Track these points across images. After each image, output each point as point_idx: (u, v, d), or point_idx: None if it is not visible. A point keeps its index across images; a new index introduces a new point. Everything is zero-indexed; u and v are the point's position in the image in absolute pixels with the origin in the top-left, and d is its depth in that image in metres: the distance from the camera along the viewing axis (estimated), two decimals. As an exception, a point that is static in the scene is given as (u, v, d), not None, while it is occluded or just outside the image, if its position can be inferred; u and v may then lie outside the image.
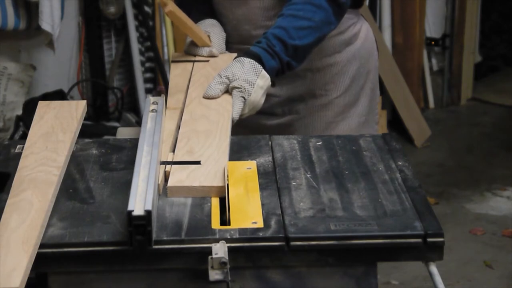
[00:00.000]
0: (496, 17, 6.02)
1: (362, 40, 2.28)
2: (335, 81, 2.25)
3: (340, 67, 2.24)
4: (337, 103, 2.25)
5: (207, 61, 2.12)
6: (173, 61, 2.16)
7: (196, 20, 2.18)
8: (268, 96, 2.02)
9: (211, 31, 2.17)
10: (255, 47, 1.97)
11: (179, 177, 1.62)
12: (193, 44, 2.16)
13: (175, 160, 1.68)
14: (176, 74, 2.08)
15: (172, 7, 2.02)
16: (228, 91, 1.93)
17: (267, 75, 1.94)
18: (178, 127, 1.82)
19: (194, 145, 1.73)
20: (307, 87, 2.24)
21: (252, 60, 1.93)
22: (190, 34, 2.13)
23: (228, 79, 1.92)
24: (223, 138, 1.76)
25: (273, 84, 1.98)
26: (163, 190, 1.60)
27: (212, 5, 2.25)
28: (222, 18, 2.22)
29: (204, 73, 2.05)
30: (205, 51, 2.14)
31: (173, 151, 1.72)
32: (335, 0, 2.02)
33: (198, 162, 1.66)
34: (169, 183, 1.60)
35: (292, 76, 2.19)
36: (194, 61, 2.13)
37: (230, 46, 2.21)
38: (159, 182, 1.59)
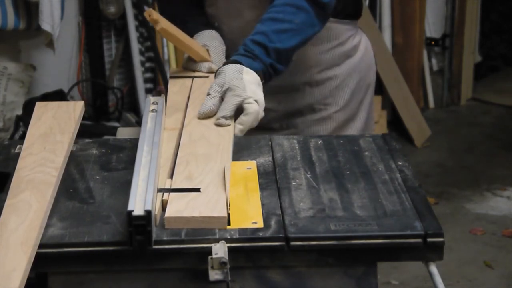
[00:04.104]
0: (496, 17, 6.02)
1: (362, 52, 2.23)
2: (334, 95, 2.19)
3: (340, 81, 2.19)
4: (336, 118, 2.20)
5: (207, 77, 2.03)
6: (171, 77, 2.05)
7: (193, 31, 2.10)
8: (266, 110, 1.92)
9: (210, 45, 2.08)
10: (233, 56, 1.91)
11: (177, 206, 1.49)
12: (192, 59, 2.06)
13: (173, 185, 1.57)
14: (175, 91, 1.98)
15: (164, 24, 1.91)
16: (223, 99, 1.83)
17: (251, 70, 1.85)
18: (177, 150, 1.70)
19: (193, 170, 1.61)
20: (305, 101, 2.18)
21: (232, 65, 1.86)
22: (187, 50, 2.04)
23: (217, 92, 1.83)
24: (224, 162, 1.67)
25: (266, 81, 1.90)
26: (160, 221, 1.49)
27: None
28: (218, 32, 2.15)
29: (204, 90, 1.92)
30: (204, 66, 2.05)
31: (171, 177, 1.60)
32: (317, 0, 1.95)
33: (198, 190, 1.55)
34: (167, 213, 1.47)
35: (290, 90, 2.15)
36: (193, 77, 2.03)
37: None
38: (156, 213, 1.47)
